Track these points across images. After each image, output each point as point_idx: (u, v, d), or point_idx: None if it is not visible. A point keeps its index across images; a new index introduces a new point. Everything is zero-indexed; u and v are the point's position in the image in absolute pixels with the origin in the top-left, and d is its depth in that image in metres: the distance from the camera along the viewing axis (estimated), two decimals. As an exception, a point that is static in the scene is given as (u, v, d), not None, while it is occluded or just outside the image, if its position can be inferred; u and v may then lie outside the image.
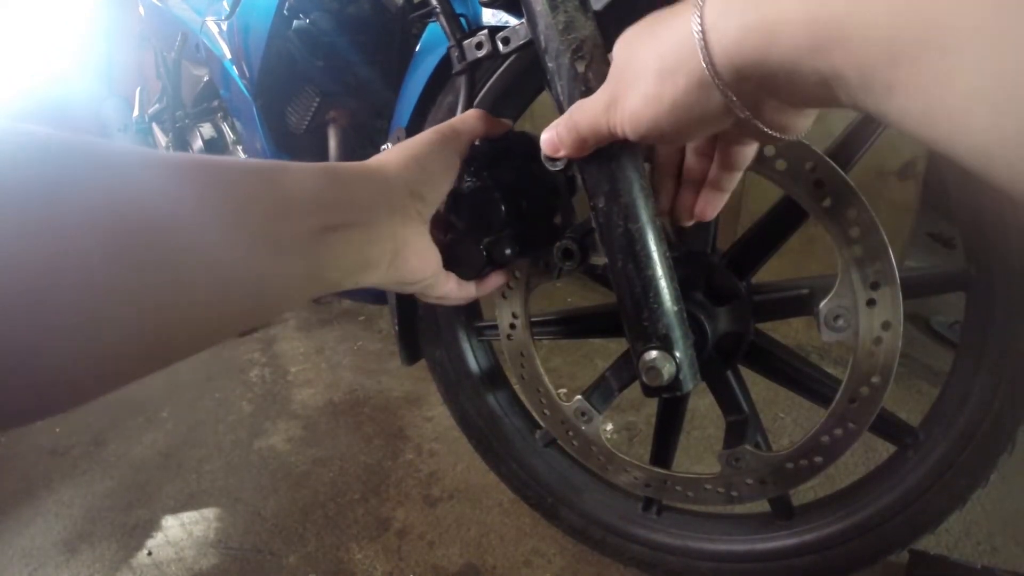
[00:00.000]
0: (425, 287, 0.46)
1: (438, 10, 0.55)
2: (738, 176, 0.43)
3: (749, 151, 0.41)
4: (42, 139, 0.24)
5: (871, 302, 0.49)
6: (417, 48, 0.70)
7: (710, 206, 0.44)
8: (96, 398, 0.26)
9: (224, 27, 1.01)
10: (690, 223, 0.46)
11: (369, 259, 0.38)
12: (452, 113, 0.51)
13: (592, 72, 0.43)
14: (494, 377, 0.81)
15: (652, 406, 0.71)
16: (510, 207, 0.47)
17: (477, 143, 0.47)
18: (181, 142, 1.30)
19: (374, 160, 0.42)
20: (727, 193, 0.44)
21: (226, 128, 1.21)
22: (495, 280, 0.54)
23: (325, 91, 0.94)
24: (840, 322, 0.51)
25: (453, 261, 0.50)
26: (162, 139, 1.48)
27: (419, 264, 0.42)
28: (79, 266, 0.23)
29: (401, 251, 0.40)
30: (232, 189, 0.30)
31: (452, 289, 0.49)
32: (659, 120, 0.32)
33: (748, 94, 0.28)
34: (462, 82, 0.60)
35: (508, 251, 0.49)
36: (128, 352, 0.26)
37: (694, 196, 0.44)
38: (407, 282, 0.43)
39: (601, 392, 0.66)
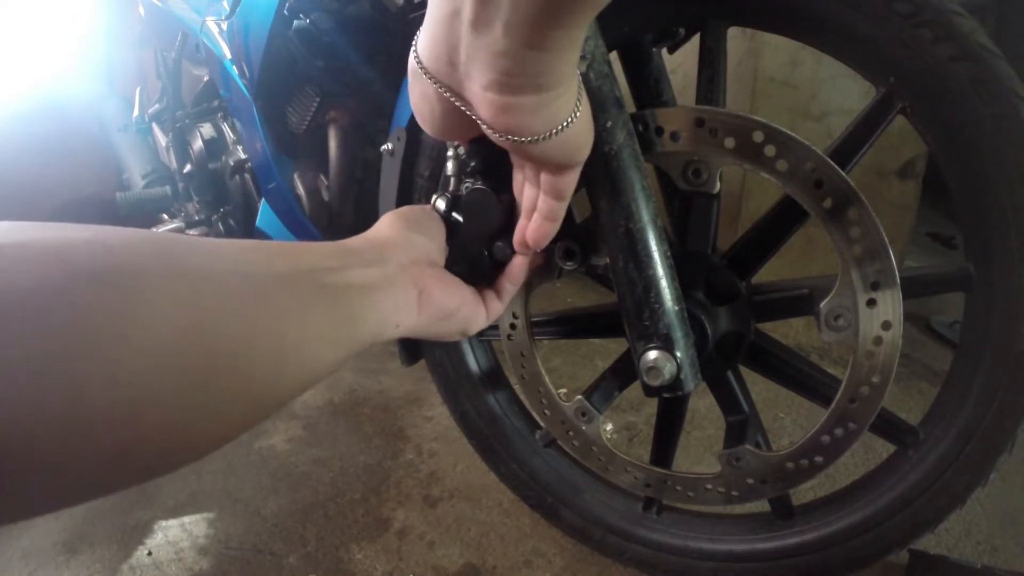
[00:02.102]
0: (466, 321, 0.48)
1: None
2: (563, 206, 0.44)
3: (566, 180, 0.42)
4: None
5: (871, 302, 0.49)
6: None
7: (540, 233, 0.45)
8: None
9: (224, 27, 1.01)
10: (527, 252, 0.47)
11: (398, 306, 0.41)
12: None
13: (593, 72, 0.43)
14: (494, 377, 0.81)
15: (652, 406, 0.71)
16: (508, 208, 0.47)
17: (472, 145, 0.47)
18: (181, 142, 1.30)
19: (370, 231, 0.46)
20: (556, 223, 0.45)
21: (226, 128, 1.21)
22: (519, 267, 0.51)
23: (325, 91, 0.94)
24: (840, 322, 0.51)
25: (457, 264, 0.50)
26: (162, 139, 1.48)
27: (444, 297, 0.45)
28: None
29: (423, 292, 0.43)
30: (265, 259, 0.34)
31: (491, 309, 0.51)
32: (415, 110, 0.40)
33: (447, 79, 0.36)
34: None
35: (510, 251, 0.49)
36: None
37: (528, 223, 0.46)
38: (444, 317, 0.45)
39: (601, 392, 0.66)
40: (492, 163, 0.46)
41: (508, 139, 0.36)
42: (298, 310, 0.33)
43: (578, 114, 0.37)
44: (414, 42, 0.37)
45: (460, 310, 0.47)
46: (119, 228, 0.27)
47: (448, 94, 0.36)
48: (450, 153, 0.47)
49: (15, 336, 0.21)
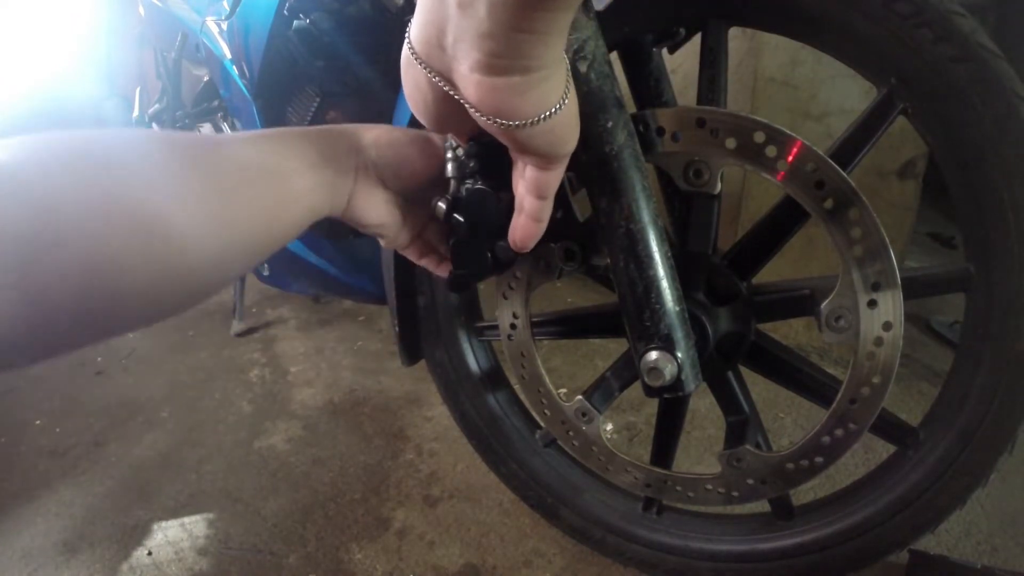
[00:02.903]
0: (383, 239, 0.51)
1: None
2: (547, 206, 0.44)
3: (549, 177, 0.42)
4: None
5: (872, 302, 0.49)
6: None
7: (525, 233, 0.45)
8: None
9: (224, 27, 1.01)
10: (520, 251, 0.47)
11: (334, 198, 0.45)
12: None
13: (594, 72, 0.43)
14: (494, 377, 0.81)
15: (652, 406, 0.71)
16: (509, 206, 0.47)
17: (470, 144, 0.46)
18: (181, 142, 1.30)
19: (362, 126, 0.49)
20: (542, 224, 0.45)
21: (226, 128, 1.21)
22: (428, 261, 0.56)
23: (325, 91, 0.94)
24: (841, 322, 0.51)
25: (460, 263, 0.50)
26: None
27: (367, 214, 0.48)
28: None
29: (353, 197, 0.47)
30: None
31: (409, 252, 0.54)
32: (409, 100, 0.41)
33: (436, 64, 0.36)
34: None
35: (512, 251, 0.49)
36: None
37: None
38: (361, 224, 0.49)
39: (601, 392, 0.66)
40: (491, 162, 0.45)
41: (495, 122, 0.36)
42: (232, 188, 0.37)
43: (566, 102, 0.37)
44: (407, 30, 0.37)
45: (378, 228, 0.50)
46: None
47: (437, 79, 0.36)
48: (449, 155, 0.47)
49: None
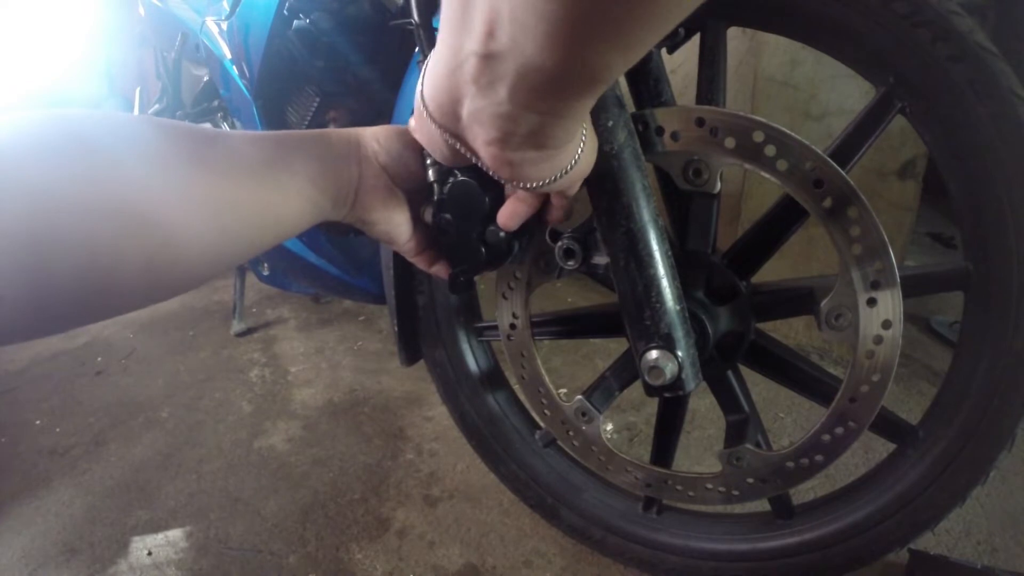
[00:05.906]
0: (390, 239, 0.50)
1: (416, 23, 0.55)
2: (572, 198, 0.48)
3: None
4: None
5: (871, 301, 0.49)
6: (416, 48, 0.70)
7: (559, 214, 0.48)
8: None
9: (224, 27, 1.01)
10: (511, 228, 0.48)
11: (337, 194, 0.45)
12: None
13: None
14: (494, 377, 0.81)
15: (652, 406, 0.71)
16: (492, 196, 0.47)
17: None
18: (181, 142, 1.30)
19: (361, 128, 0.49)
20: (569, 201, 0.47)
21: (226, 128, 1.21)
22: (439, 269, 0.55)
23: (325, 91, 0.95)
24: (841, 321, 0.51)
25: (455, 260, 0.50)
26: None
27: (374, 212, 0.47)
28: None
29: (359, 190, 0.46)
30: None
31: (420, 259, 0.52)
32: (426, 146, 0.42)
33: (451, 127, 0.36)
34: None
35: (502, 234, 0.49)
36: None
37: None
38: (368, 223, 0.48)
39: (601, 392, 0.66)
40: None
41: (512, 184, 0.37)
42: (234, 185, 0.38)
43: (581, 152, 0.38)
44: (420, 80, 0.37)
45: (385, 222, 0.48)
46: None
47: (452, 140, 0.37)
48: (428, 161, 0.47)
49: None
